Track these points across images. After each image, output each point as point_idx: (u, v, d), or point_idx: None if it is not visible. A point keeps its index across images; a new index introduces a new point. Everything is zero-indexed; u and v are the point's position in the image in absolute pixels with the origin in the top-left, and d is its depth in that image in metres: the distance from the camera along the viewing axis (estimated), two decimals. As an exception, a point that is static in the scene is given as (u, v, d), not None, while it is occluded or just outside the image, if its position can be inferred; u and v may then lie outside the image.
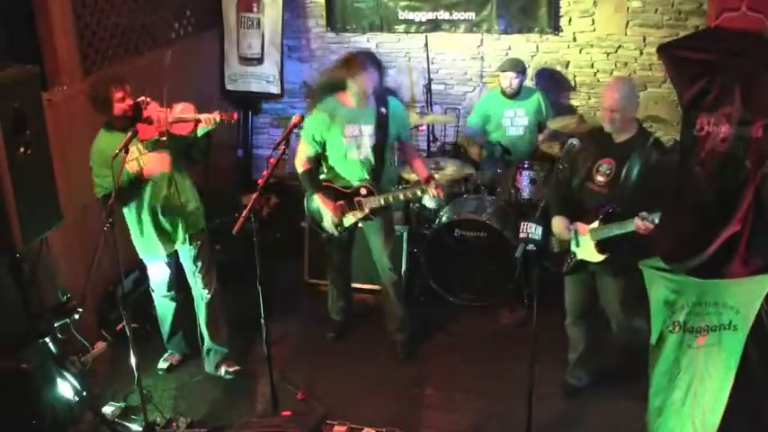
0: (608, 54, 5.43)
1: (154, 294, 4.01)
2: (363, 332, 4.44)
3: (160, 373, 4.10)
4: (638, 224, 3.04)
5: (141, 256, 3.84)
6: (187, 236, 3.76)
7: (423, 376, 4.07)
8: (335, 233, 4.04)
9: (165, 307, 4.02)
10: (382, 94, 3.87)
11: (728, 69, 2.55)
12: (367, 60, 3.72)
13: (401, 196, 3.93)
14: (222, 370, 4.04)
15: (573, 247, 3.43)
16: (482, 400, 3.84)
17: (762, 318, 3.01)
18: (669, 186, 3.23)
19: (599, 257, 3.32)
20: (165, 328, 4.08)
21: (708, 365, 2.92)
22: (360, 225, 4.01)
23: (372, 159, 3.86)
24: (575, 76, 5.56)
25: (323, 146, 3.88)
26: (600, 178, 3.34)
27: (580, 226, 3.38)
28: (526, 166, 4.79)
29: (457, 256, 4.64)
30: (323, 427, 3.57)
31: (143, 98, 3.53)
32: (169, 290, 3.95)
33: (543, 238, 2.93)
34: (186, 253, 3.83)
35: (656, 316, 2.93)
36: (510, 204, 4.79)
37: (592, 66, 5.50)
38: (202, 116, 3.49)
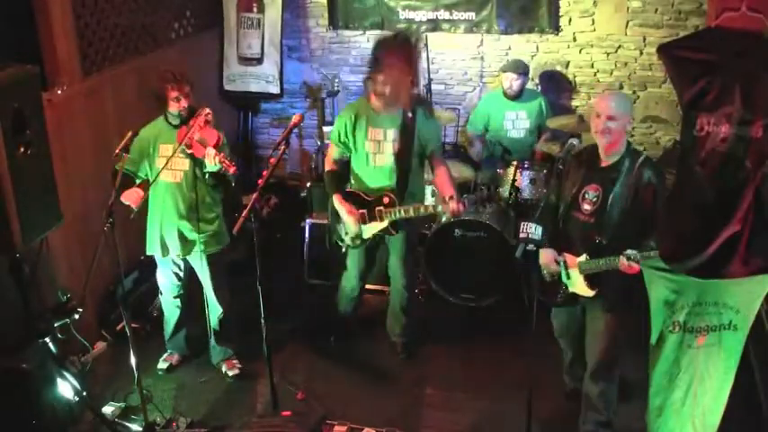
0: (608, 54, 5.43)
1: (161, 297, 4.04)
2: (364, 333, 4.43)
3: (159, 373, 4.11)
4: (623, 263, 2.94)
5: (147, 249, 3.89)
6: (203, 254, 3.79)
7: (423, 376, 4.07)
8: (353, 245, 3.88)
9: (170, 311, 4.06)
10: (414, 99, 3.62)
11: (728, 69, 2.55)
12: (395, 50, 3.41)
13: (422, 210, 3.66)
14: (223, 368, 4.08)
15: (564, 279, 3.27)
16: (482, 400, 3.84)
17: (762, 318, 3.01)
18: (658, 209, 3.09)
19: (589, 292, 3.18)
20: (169, 328, 4.11)
21: (708, 365, 2.92)
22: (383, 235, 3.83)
23: (395, 167, 3.69)
24: (575, 76, 5.57)
25: (348, 148, 3.76)
26: (586, 206, 3.14)
27: (568, 258, 3.21)
28: (526, 166, 4.79)
29: (457, 256, 4.64)
30: (323, 427, 3.57)
31: (205, 110, 3.58)
32: (175, 297, 3.98)
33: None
34: (200, 270, 3.88)
35: (656, 316, 2.93)
36: (510, 204, 4.80)
37: (592, 66, 5.50)
38: (209, 149, 3.50)
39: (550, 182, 3.35)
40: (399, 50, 3.48)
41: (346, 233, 3.86)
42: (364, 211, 3.76)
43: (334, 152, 3.80)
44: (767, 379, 3.44)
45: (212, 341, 4.09)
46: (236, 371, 4.06)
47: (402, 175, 3.70)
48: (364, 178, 3.78)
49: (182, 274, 3.93)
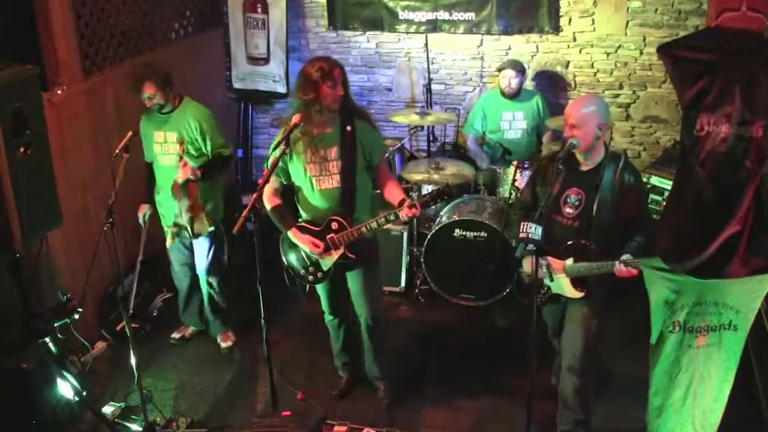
0: (608, 54, 5.43)
1: (172, 268, 4.25)
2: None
3: (172, 342, 4.30)
4: (621, 270, 2.93)
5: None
6: (189, 233, 3.98)
7: (423, 376, 4.07)
8: (314, 280, 3.56)
9: (179, 279, 4.27)
10: (348, 112, 3.37)
11: (728, 69, 2.55)
12: (327, 69, 3.20)
13: (374, 224, 3.32)
14: (218, 340, 4.30)
15: (546, 281, 3.25)
16: (482, 400, 3.84)
17: (762, 318, 3.01)
18: (642, 210, 3.18)
19: (576, 294, 3.17)
20: (181, 299, 4.33)
21: (708, 365, 2.92)
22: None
23: (341, 187, 3.37)
24: (575, 76, 5.57)
25: (287, 175, 3.45)
26: (568, 210, 3.14)
27: (553, 262, 3.18)
28: (526, 166, 4.79)
29: (457, 256, 4.64)
30: (323, 426, 3.57)
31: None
32: (182, 265, 4.18)
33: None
34: (195, 248, 4.10)
35: (656, 316, 2.93)
36: (510, 205, 4.79)
37: (592, 66, 5.50)
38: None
39: (533, 178, 3.35)
40: (329, 59, 3.34)
41: (305, 269, 3.55)
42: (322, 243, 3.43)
43: (273, 182, 3.42)
44: (767, 379, 3.44)
45: (207, 314, 4.27)
46: (230, 343, 4.26)
47: (349, 195, 3.40)
48: (312, 204, 3.45)
49: (187, 242, 4.12)
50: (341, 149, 3.34)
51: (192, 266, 4.18)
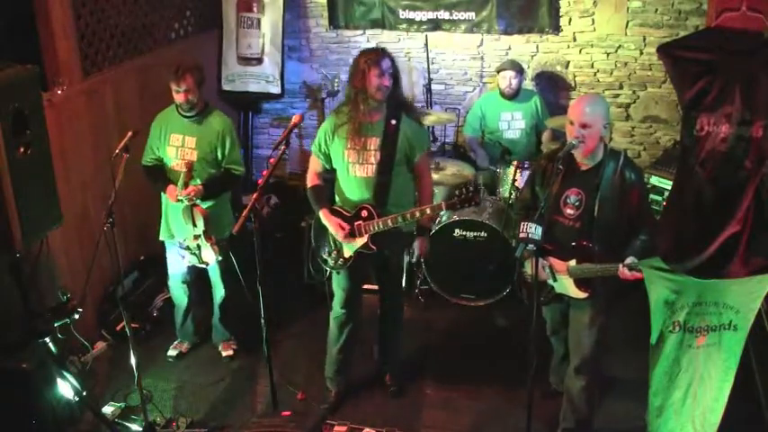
0: (608, 54, 5.43)
1: (169, 282, 4.13)
2: (362, 333, 4.42)
3: (170, 360, 4.20)
4: (625, 273, 2.90)
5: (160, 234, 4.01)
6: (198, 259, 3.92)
7: (423, 376, 4.07)
8: (335, 266, 3.60)
9: (178, 296, 4.18)
10: (396, 105, 3.42)
11: (728, 69, 2.55)
12: (375, 58, 3.28)
13: (400, 219, 3.34)
14: (219, 348, 4.25)
15: (550, 281, 3.24)
16: (482, 400, 3.84)
17: (762, 318, 3.01)
18: (644, 206, 3.16)
19: (581, 295, 3.14)
20: (179, 315, 4.23)
21: (708, 365, 2.92)
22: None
23: (375, 178, 3.42)
24: (575, 76, 5.57)
25: (328, 159, 3.52)
26: (569, 211, 3.11)
27: (556, 263, 3.17)
28: (526, 166, 4.79)
29: (457, 256, 4.63)
30: (323, 426, 3.57)
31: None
32: (183, 282, 4.09)
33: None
34: (210, 273, 4.05)
35: (656, 316, 2.93)
36: (510, 205, 4.79)
37: (592, 66, 5.50)
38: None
39: (532, 178, 3.34)
40: (382, 50, 3.42)
41: (329, 254, 3.60)
42: (348, 226, 3.50)
43: (316, 165, 3.57)
44: (767, 379, 3.44)
45: (215, 320, 4.21)
46: (230, 352, 4.22)
47: (382, 186, 3.43)
48: (345, 190, 3.52)
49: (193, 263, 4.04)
50: (382, 141, 3.39)
51: (190, 285, 4.09)
